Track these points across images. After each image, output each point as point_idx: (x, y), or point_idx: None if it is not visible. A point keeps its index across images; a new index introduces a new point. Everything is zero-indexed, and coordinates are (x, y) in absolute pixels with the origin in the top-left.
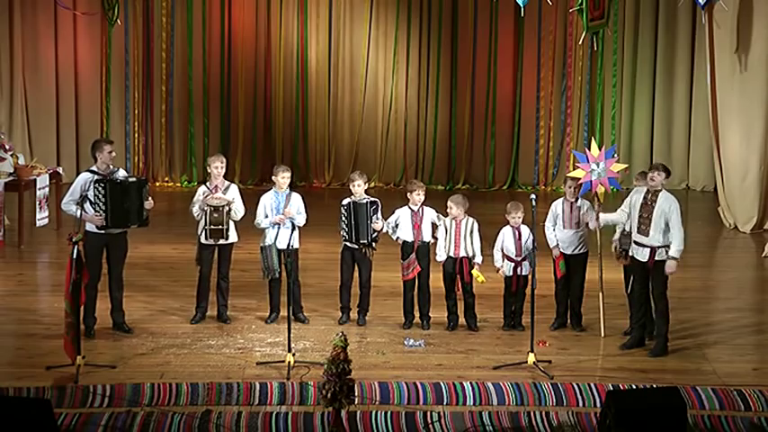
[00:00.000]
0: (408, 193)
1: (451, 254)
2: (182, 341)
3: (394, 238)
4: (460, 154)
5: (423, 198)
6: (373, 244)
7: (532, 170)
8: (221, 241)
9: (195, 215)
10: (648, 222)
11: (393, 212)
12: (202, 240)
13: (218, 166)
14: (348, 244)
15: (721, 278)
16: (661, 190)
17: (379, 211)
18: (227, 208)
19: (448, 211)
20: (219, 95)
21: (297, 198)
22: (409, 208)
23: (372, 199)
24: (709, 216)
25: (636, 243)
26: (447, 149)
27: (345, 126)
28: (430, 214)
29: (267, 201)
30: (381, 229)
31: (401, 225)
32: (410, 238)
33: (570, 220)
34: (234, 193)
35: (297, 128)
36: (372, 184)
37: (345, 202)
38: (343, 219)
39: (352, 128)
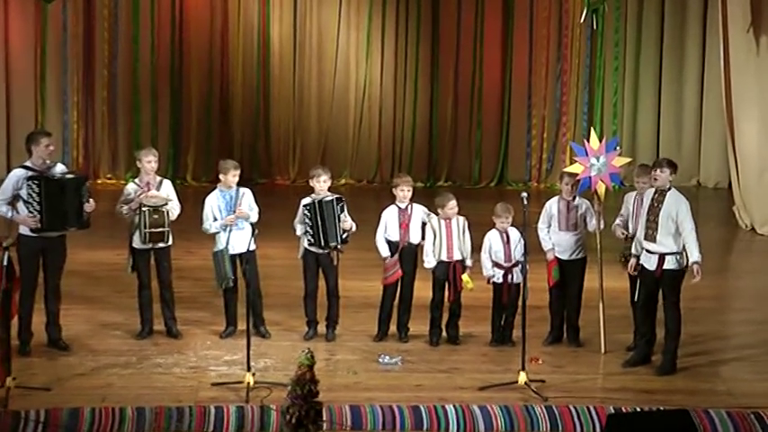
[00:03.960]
0: (394, 189)
1: (444, 257)
2: (126, 360)
3: (384, 255)
4: (442, 146)
5: (410, 194)
6: (340, 246)
7: (524, 165)
8: (160, 245)
9: (126, 216)
10: (656, 226)
11: (380, 217)
12: (137, 245)
13: (150, 160)
14: (312, 248)
15: (737, 286)
16: (669, 189)
17: (346, 209)
18: (167, 207)
19: (439, 210)
20: (170, 80)
21: (248, 194)
22: (396, 206)
23: (337, 195)
24: (723, 216)
25: (645, 250)
26: (427, 141)
27: (312, 115)
28: (419, 213)
29: (214, 201)
30: (351, 229)
31: (387, 225)
32: (395, 238)
33: (567, 222)
34: (168, 189)
35: (257, 117)
36: (342, 181)
37: (307, 201)
38: (307, 220)
39: (320, 117)
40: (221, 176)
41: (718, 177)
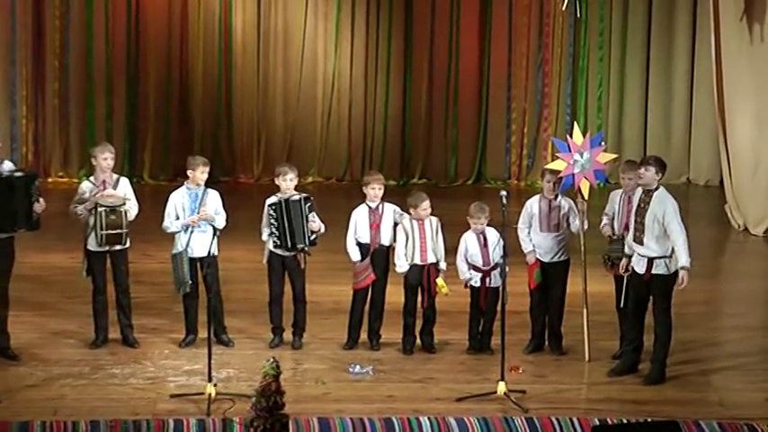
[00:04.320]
0: (364, 187)
1: (417, 261)
2: (79, 370)
3: (355, 259)
4: (416, 142)
5: (382, 193)
6: (308, 248)
7: (503, 161)
8: (117, 247)
9: (80, 217)
10: (642, 228)
11: (351, 217)
12: (92, 247)
13: (107, 157)
14: (278, 251)
15: (729, 289)
16: (657, 188)
17: (314, 208)
18: (124, 207)
19: (411, 211)
20: (125, 72)
21: (214, 196)
22: (366, 205)
23: (305, 194)
24: (715, 215)
25: (636, 252)
26: (400, 136)
27: (278, 109)
28: (391, 213)
29: (178, 199)
30: (319, 230)
31: (357, 226)
32: (366, 240)
33: (548, 222)
34: (126, 187)
35: (219, 111)
36: (310, 179)
37: (273, 200)
38: (273, 222)
39: (285, 111)
40: (189, 173)
41: (710, 174)
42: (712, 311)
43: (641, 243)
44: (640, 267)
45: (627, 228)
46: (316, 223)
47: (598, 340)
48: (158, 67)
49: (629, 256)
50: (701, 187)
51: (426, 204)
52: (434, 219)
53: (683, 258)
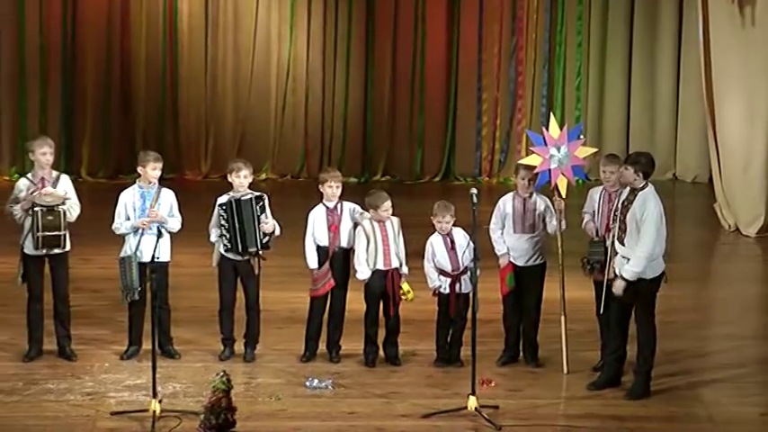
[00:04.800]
0: (320, 186)
1: (380, 266)
2: (11, 385)
3: (312, 266)
4: (379, 136)
5: (339, 191)
6: (261, 252)
7: (473, 157)
8: (56, 250)
9: (17, 218)
10: (624, 228)
11: (308, 218)
12: (29, 251)
13: (45, 152)
14: (229, 255)
15: (719, 296)
16: (644, 187)
17: (267, 209)
18: (63, 207)
19: (371, 212)
20: (61, 60)
21: (168, 195)
22: (323, 205)
23: (257, 193)
24: (703, 215)
25: (618, 254)
26: (361, 130)
27: (228, 99)
28: (351, 212)
29: (129, 198)
30: (273, 232)
31: (315, 227)
32: (324, 243)
33: (523, 222)
34: (66, 185)
35: (164, 102)
36: (263, 176)
37: (223, 199)
38: (223, 222)
39: (236, 102)
40: (140, 169)
41: (698, 170)
42: (701, 319)
43: (622, 243)
44: (620, 269)
45: (608, 229)
46: (268, 225)
47: (577, 351)
48: (97, 55)
49: (598, 262)
50: (689, 184)
51: (388, 205)
52: (395, 219)
53: (629, 266)
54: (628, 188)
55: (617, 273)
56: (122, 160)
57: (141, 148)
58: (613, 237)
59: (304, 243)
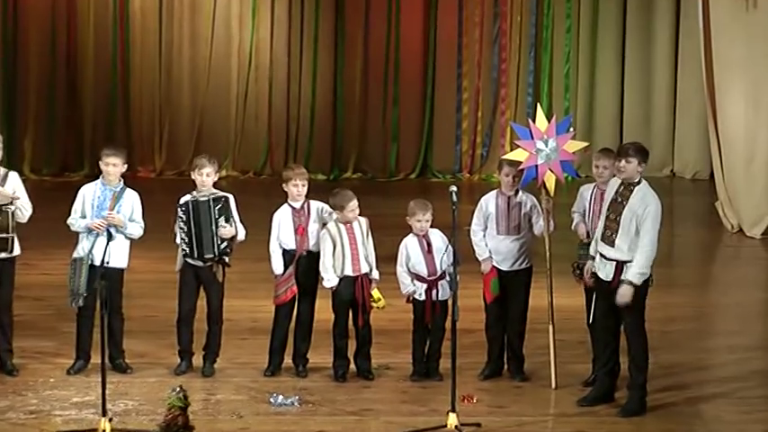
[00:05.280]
0: (285, 184)
1: (348, 272)
2: None
3: (277, 272)
4: (349, 128)
5: (306, 189)
6: (225, 259)
7: (452, 151)
8: (3, 255)
9: None
10: (616, 227)
11: (272, 220)
12: None
13: None
14: (190, 260)
15: (721, 303)
16: (639, 182)
17: (234, 210)
18: (11, 207)
19: (337, 213)
20: (2, 48)
21: (131, 197)
22: (289, 205)
23: (219, 194)
24: (704, 214)
25: (600, 255)
26: (330, 122)
27: (184, 89)
28: (319, 212)
29: (89, 194)
30: (235, 237)
31: (280, 229)
32: (291, 246)
33: (507, 222)
34: (15, 183)
35: (114, 93)
36: (223, 173)
37: (184, 199)
38: (182, 225)
39: (193, 92)
40: (101, 164)
41: (698, 166)
42: (701, 329)
43: (611, 243)
44: (606, 273)
45: None
46: (227, 230)
47: (567, 363)
48: (41, 42)
49: (592, 258)
50: (688, 181)
51: (354, 204)
52: (363, 219)
53: (634, 270)
54: (616, 182)
55: (601, 277)
56: (69, 156)
57: (90, 143)
58: (596, 236)
59: (268, 247)
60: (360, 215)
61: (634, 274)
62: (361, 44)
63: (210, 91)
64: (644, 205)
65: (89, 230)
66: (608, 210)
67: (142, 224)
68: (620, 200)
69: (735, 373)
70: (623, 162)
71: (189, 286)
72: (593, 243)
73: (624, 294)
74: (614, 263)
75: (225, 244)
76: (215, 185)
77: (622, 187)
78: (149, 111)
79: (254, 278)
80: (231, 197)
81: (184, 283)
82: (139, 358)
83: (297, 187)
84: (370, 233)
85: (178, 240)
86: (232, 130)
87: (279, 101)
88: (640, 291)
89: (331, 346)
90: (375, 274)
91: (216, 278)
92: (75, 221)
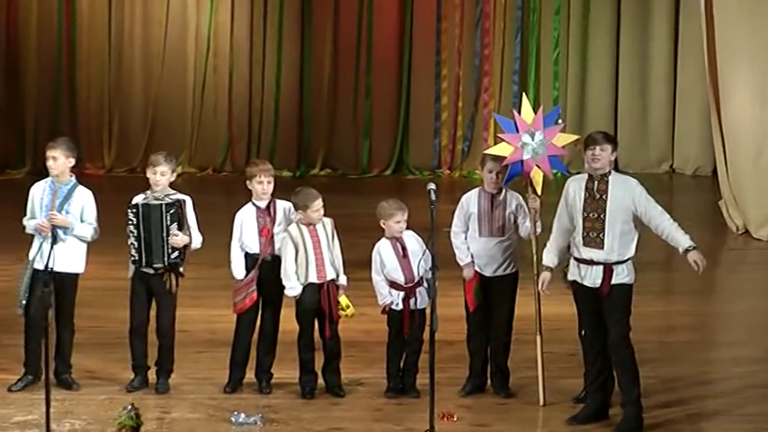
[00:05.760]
0: (248, 181)
1: (313, 278)
2: None
3: (238, 276)
4: (318, 122)
5: (272, 187)
6: (180, 269)
7: (430, 146)
8: None
9: None
10: (601, 227)
11: (234, 221)
12: None
13: None
14: (140, 267)
15: (725, 311)
16: (609, 172)
17: (190, 215)
18: None
19: (300, 214)
20: None
21: (82, 196)
22: (253, 204)
23: (174, 197)
24: (706, 214)
25: (580, 261)
26: (297, 114)
27: (136, 77)
28: (286, 212)
29: (38, 193)
30: (189, 246)
31: (243, 231)
32: (255, 249)
33: (490, 223)
34: None
35: (59, 82)
36: (179, 169)
37: (135, 200)
38: (132, 228)
39: (146, 80)
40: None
41: (699, 161)
42: (703, 339)
43: (600, 245)
44: (593, 279)
45: None
46: (179, 238)
47: (556, 378)
48: None
49: (550, 269)
50: (689, 177)
51: (318, 204)
52: (328, 220)
53: (686, 238)
54: (580, 179)
55: (585, 284)
56: (9, 152)
57: (32, 137)
58: (576, 241)
59: (229, 250)
60: (325, 215)
61: (689, 237)
62: (330, 29)
63: (165, 79)
64: (629, 192)
65: (38, 232)
66: (585, 210)
67: (95, 225)
68: (597, 195)
69: (739, 388)
70: (598, 150)
71: (140, 296)
72: (550, 249)
73: (701, 258)
74: (601, 266)
75: (176, 254)
76: (171, 185)
77: (596, 182)
78: (97, 101)
79: (212, 285)
80: (188, 200)
81: (135, 293)
82: (87, 373)
83: (262, 185)
84: (335, 235)
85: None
86: (188, 123)
87: (240, 90)
88: (630, 293)
89: (297, 359)
90: (343, 280)
91: (168, 288)
92: (26, 222)
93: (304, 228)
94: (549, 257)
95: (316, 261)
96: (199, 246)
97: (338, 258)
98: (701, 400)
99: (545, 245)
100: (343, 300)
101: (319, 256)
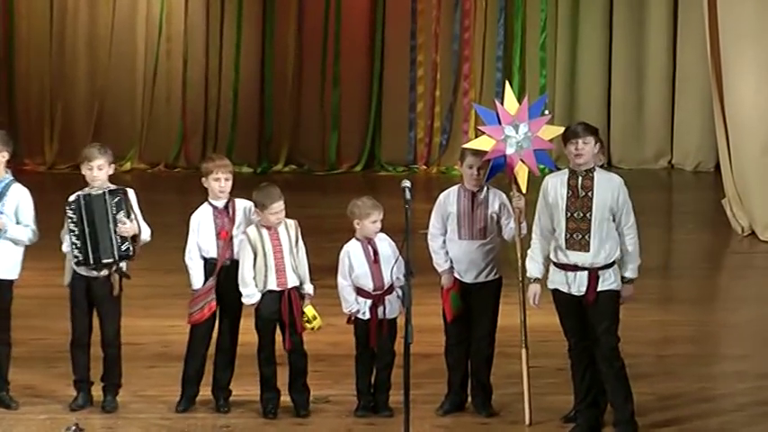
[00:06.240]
0: (204, 179)
1: (272, 286)
2: None
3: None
4: (280, 113)
5: (230, 185)
6: (123, 267)
7: (405, 139)
8: None
9: None
10: (587, 227)
11: (189, 222)
12: None
13: None
14: (81, 271)
15: (728, 322)
16: (593, 168)
17: (135, 206)
18: None
19: (258, 213)
20: None
21: (18, 195)
22: (209, 204)
23: (114, 186)
24: (708, 214)
25: (560, 266)
26: (257, 105)
27: (81, 64)
28: (246, 212)
29: None
30: (138, 237)
31: (200, 234)
32: (212, 253)
33: (471, 225)
34: None
35: None
36: (128, 165)
37: (74, 197)
38: (72, 227)
39: (91, 67)
40: None
41: (700, 156)
42: (704, 353)
43: (586, 248)
44: (577, 286)
45: None
46: (127, 226)
47: (543, 395)
48: None
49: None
50: (689, 174)
51: (279, 206)
52: (292, 222)
53: (635, 267)
54: (561, 176)
55: (570, 292)
56: None
57: None
58: (560, 244)
59: (185, 255)
60: (289, 217)
61: (635, 269)
62: (294, 9)
63: (112, 66)
64: (615, 190)
65: None
66: (568, 209)
67: (32, 227)
68: (582, 193)
69: (744, 405)
70: (580, 144)
71: (81, 303)
72: (533, 257)
73: (632, 295)
74: (586, 272)
75: (126, 245)
76: (113, 180)
77: (579, 178)
78: (38, 90)
79: (164, 293)
80: (131, 191)
81: (76, 300)
82: (27, 390)
83: (219, 182)
84: (299, 239)
85: (66, 247)
86: (138, 114)
87: (195, 78)
88: (617, 300)
89: (258, 374)
90: (308, 288)
91: (112, 292)
92: None
93: (264, 230)
94: (535, 267)
95: (276, 267)
96: (148, 238)
97: (303, 264)
98: (701, 419)
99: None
100: (309, 310)
101: (280, 262)
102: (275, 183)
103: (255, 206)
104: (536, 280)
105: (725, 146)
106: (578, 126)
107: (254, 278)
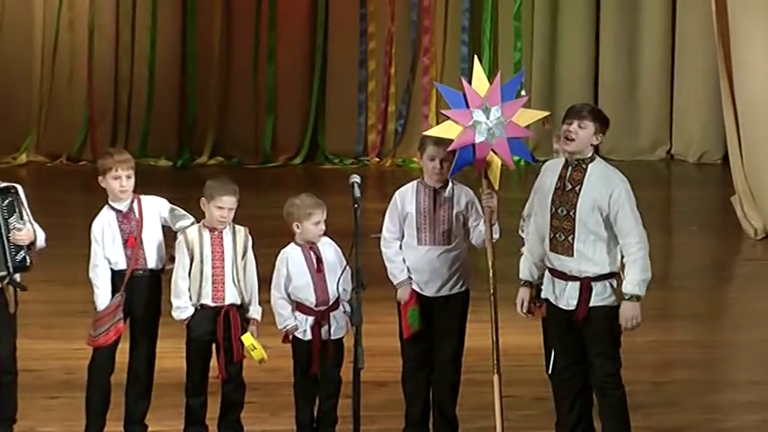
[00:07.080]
0: (101, 178)
1: (207, 300)
2: None
3: (103, 306)
4: (205, 96)
5: (131, 184)
6: (17, 278)
7: (354, 126)
8: None
9: None
10: (571, 227)
11: (91, 226)
12: None
13: None
14: None
15: (737, 342)
16: (591, 159)
17: (24, 208)
18: None
19: (203, 203)
20: None
21: None
22: (110, 208)
23: (2, 184)
24: (715, 213)
25: (550, 272)
26: (178, 86)
27: None
28: (157, 214)
29: None
30: (34, 243)
31: (105, 241)
32: (120, 265)
33: (433, 228)
34: None
35: None
36: (23, 158)
37: None
38: None
39: None
40: None
41: (705, 146)
42: (711, 379)
43: (569, 252)
44: (565, 298)
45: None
46: (23, 232)
47: (518, 429)
48: None
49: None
50: (692, 166)
51: (230, 201)
52: (242, 229)
53: (635, 280)
54: (555, 165)
55: (559, 306)
56: None
57: None
58: (545, 244)
59: (89, 269)
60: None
61: (636, 282)
62: None
63: (4, 39)
64: (607, 187)
65: None
66: (552, 204)
67: None
68: (569, 186)
69: None
70: (574, 126)
71: None
72: (526, 257)
73: (633, 316)
74: (577, 282)
75: (22, 254)
76: (2, 176)
77: (570, 169)
78: None
79: (66, 310)
80: (19, 188)
81: None
82: None
83: (119, 180)
84: (249, 250)
85: None
86: (36, 97)
87: (103, 53)
88: (613, 319)
89: (182, 406)
90: (254, 312)
91: (6, 308)
92: None
93: (206, 232)
94: (527, 268)
95: (213, 278)
96: (44, 244)
97: (250, 281)
98: None
99: (521, 255)
100: (247, 339)
101: (219, 271)
102: (198, 177)
103: (203, 195)
104: (526, 283)
105: (734, 133)
106: (584, 106)
107: (189, 289)
